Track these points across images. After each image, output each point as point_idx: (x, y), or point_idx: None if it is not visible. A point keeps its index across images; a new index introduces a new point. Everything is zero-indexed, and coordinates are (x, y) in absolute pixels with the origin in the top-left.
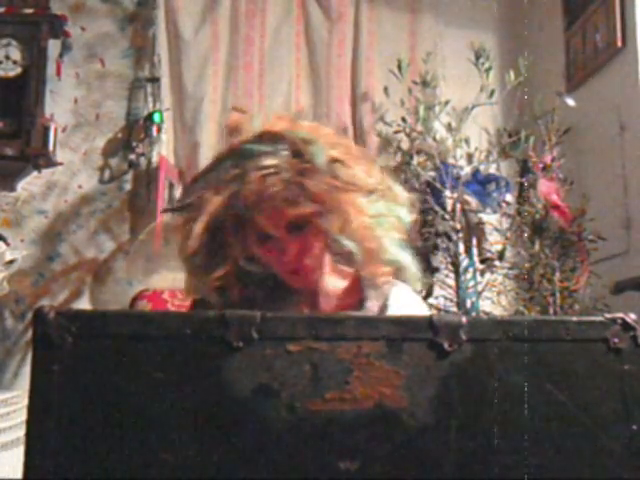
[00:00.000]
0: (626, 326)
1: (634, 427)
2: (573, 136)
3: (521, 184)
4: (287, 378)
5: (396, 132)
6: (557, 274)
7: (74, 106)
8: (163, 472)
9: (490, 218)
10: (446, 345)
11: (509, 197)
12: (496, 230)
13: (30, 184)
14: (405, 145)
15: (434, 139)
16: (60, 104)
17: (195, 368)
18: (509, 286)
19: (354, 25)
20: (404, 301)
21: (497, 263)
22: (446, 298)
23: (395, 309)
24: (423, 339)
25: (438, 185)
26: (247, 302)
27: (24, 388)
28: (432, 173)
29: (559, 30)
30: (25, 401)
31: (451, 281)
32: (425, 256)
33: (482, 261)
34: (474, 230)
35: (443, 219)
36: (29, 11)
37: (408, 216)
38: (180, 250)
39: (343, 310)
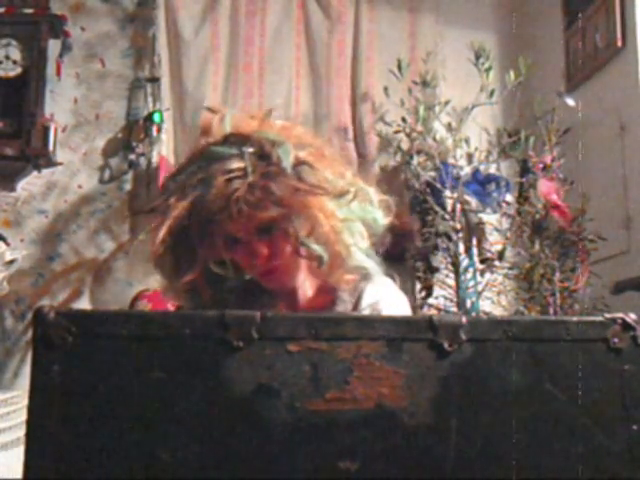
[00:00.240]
0: (626, 326)
1: (634, 427)
2: (573, 136)
3: (521, 184)
4: (287, 378)
5: (396, 132)
6: (557, 274)
7: (74, 106)
8: (163, 472)
9: (490, 218)
10: (446, 345)
11: (509, 197)
12: (496, 230)
13: (30, 184)
14: (405, 145)
15: (434, 139)
16: (60, 104)
17: (195, 368)
18: (509, 286)
19: (354, 25)
20: (380, 297)
21: (497, 263)
22: (446, 298)
23: (369, 305)
24: (423, 339)
25: (438, 185)
26: (219, 305)
27: (24, 388)
28: (432, 173)
29: (559, 30)
30: (25, 401)
31: (451, 281)
32: (425, 256)
33: (482, 261)
34: (474, 230)
35: (443, 219)
36: (29, 11)
37: (382, 218)
38: (150, 254)
39: (318, 308)
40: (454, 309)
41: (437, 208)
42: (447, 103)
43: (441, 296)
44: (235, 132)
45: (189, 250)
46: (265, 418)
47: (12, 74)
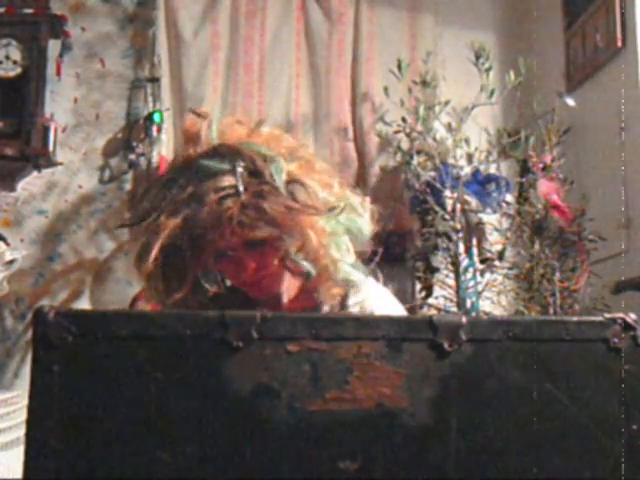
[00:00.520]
0: (626, 326)
1: (634, 427)
2: (573, 136)
3: (521, 184)
4: (287, 378)
5: (396, 132)
6: (557, 274)
7: (74, 106)
8: (163, 472)
9: (490, 218)
10: (446, 345)
11: (509, 197)
12: (496, 230)
13: (30, 184)
14: (405, 145)
15: (434, 139)
16: (60, 104)
17: (195, 368)
18: (509, 286)
19: (354, 25)
20: (366, 295)
21: (497, 263)
22: (446, 298)
23: (355, 304)
24: (423, 339)
25: (438, 185)
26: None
27: (24, 388)
28: (432, 173)
29: (559, 30)
30: (25, 401)
31: (451, 281)
32: (425, 256)
33: (482, 261)
34: (474, 230)
35: (443, 219)
36: (29, 11)
37: (368, 228)
38: (138, 270)
39: (300, 310)
40: (454, 309)
41: (437, 208)
42: (447, 103)
43: (441, 296)
44: (224, 143)
45: (179, 266)
46: (265, 418)
47: (12, 74)
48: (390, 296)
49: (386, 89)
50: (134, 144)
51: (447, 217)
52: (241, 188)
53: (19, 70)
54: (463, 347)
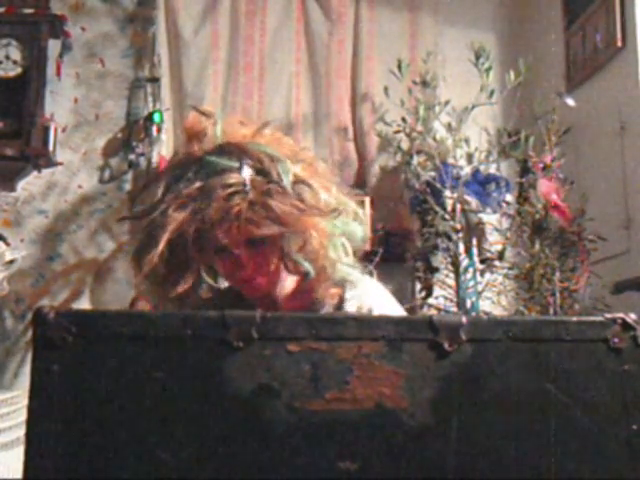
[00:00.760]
0: (626, 326)
1: (634, 427)
2: (573, 136)
3: (521, 184)
4: (287, 378)
5: (396, 132)
6: (557, 274)
7: (74, 106)
8: (163, 472)
9: (490, 218)
10: (446, 345)
11: (509, 197)
12: (496, 230)
13: (30, 184)
14: (405, 145)
15: (434, 139)
16: (60, 104)
17: (195, 368)
18: (509, 286)
19: (354, 25)
20: (363, 290)
21: (497, 263)
22: (446, 298)
23: (353, 298)
24: (423, 339)
25: (438, 185)
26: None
27: (24, 388)
28: (432, 173)
29: (559, 30)
30: (25, 401)
31: (451, 281)
32: (425, 256)
33: (482, 261)
34: (474, 230)
35: (443, 219)
36: (29, 11)
37: (362, 232)
38: (137, 263)
39: (296, 309)
40: (454, 309)
41: (437, 208)
42: (447, 103)
43: (441, 296)
44: (230, 141)
45: (183, 260)
46: (265, 418)
47: (12, 74)
48: (387, 293)
49: (386, 89)
50: (134, 144)
51: (447, 217)
52: (249, 186)
53: (19, 70)
54: (463, 347)
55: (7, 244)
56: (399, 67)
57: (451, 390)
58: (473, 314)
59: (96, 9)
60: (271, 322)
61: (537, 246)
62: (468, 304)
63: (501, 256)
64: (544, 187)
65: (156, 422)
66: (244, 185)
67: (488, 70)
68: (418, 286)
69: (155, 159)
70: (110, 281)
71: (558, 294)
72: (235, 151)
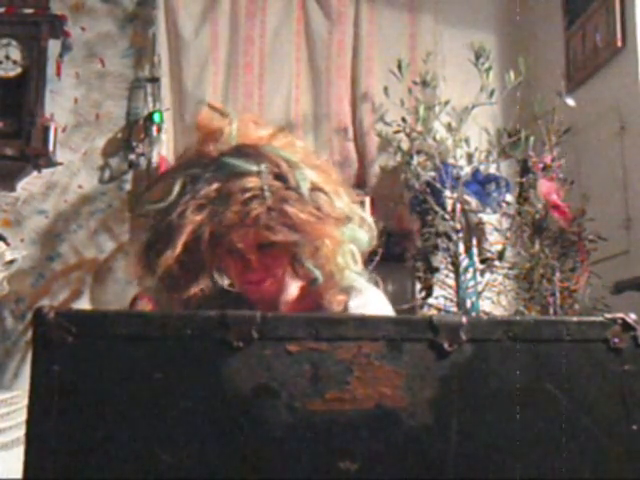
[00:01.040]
0: (626, 326)
1: (634, 427)
2: (573, 136)
3: (521, 184)
4: (287, 378)
5: (396, 132)
6: (557, 274)
7: (74, 106)
8: (163, 472)
9: (490, 218)
10: (446, 345)
11: (509, 197)
12: (496, 230)
13: (30, 184)
14: (405, 145)
15: (434, 139)
16: (60, 104)
17: (195, 368)
18: (509, 286)
19: (354, 25)
20: (367, 299)
21: (497, 263)
22: (446, 298)
23: (357, 308)
24: (423, 339)
25: (438, 185)
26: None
27: (24, 388)
28: (432, 173)
29: (559, 30)
30: (25, 401)
31: (451, 281)
32: (425, 256)
33: (482, 261)
34: (474, 230)
35: (443, 219)
36: (29, 11)
37: (369, 239)
38: (148, 263)
39: (299, 311)
40: (454, 309)
41: (437, 208)
42: (447, 103)
43: (441, 296)
44: (246, 143)
45: (197, 260)
46: (265, 418)
47: (12, 74)
48: (389, 305)
49: (386, 89)
50: (134, 144)
51: (447, 217)
52: (267, 191)
53: (19, 70)
54: (463, 347)
55: (7, 244)
56: (399, 67)
57: (451, 390)
58: (473, 314)
59: (96, 9)
60: (271, 322)
61: (537, 246)
62: (468, 304)
63: (501, 256)
64: (544, 187)
65: (156, 422)
66: (262, 190)
67: (488, 70)
68: (418, 286)
69: (155, 159)
70: (110, 281)
71: (558, 294)
72: (252, 154)
